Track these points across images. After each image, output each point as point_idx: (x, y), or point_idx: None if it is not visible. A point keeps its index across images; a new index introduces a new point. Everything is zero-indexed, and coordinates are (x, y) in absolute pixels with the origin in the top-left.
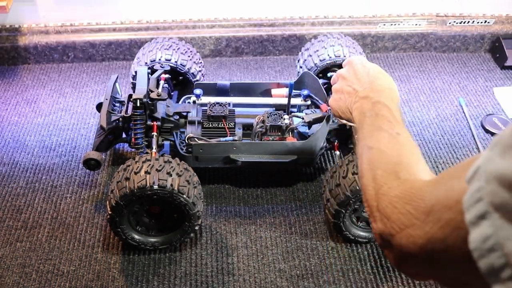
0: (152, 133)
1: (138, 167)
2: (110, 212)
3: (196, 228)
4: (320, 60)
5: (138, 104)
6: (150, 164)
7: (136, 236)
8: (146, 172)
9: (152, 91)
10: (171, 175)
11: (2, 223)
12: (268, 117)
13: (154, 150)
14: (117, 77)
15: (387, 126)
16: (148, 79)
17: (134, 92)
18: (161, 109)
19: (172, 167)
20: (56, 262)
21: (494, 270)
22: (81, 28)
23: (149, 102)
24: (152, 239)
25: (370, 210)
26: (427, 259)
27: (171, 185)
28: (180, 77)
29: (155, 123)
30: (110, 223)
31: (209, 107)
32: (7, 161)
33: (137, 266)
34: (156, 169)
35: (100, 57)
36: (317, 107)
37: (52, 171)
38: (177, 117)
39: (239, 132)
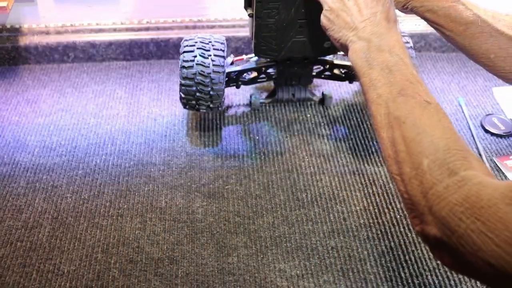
0: None
1: None
2: None
3: None
4: None
5: None
6: None
7: None
8: None
9: None
10: None
11: (3, 223)
12: None
13: None
14: None
15: (411, 89)
16: None
17: None
18: None
19: None
20: (56, 261)
21: None
22: (81, 28)
23: None
24: None
25: (413, 206)
26: (500, 275)
27: None
28: None
29: None
30: None
31: None
32: (7, 161)
33: (137, 266)
34: None
35: (100, 57)
36: None
37: (52, 171)
38: None
39: None
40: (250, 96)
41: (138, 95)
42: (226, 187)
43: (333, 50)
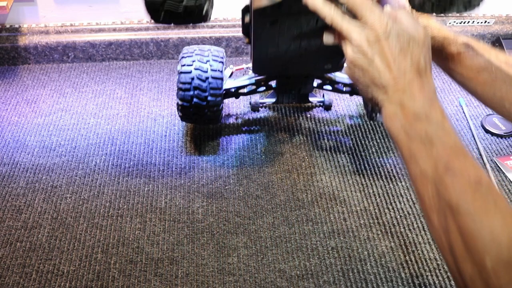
0: None
1: None
2: None
3: None
4: None
5: None
6: None
7: None
8: None
9: None
10: None
11: (2, 223)
12: None
13: None
14: None
15: (457, 164)
16: None
17: None
18: None
19: None
20: (56, 262)
21: None
22: (81, 28)
23: None
24: None
25: None
26: None
27: None
28: None
29: None
30: None
31: None
32: (7, 161)
33: (137, 267)
34: None
35: (100, 57)
36: None
37: (52, 171)
38: None
39: None
40: (250, 97)
41: (138, 95)
42: (226, 187)
43: (334, 69)
